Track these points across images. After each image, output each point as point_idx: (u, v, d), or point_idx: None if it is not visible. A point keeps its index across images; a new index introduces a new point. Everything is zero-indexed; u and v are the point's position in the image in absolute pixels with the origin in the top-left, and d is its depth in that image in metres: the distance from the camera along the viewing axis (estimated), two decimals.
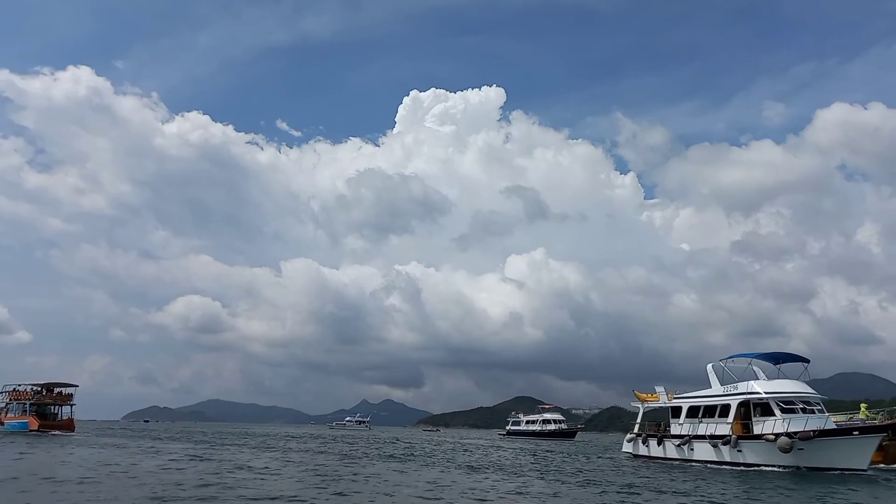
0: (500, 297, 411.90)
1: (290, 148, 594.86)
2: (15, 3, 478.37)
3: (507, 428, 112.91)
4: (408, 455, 38.83)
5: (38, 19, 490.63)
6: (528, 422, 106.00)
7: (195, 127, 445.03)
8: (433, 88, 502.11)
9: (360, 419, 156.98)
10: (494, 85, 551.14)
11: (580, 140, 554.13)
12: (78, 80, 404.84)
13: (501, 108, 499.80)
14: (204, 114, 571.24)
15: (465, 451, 47.22)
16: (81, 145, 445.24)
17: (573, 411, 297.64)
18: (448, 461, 33.72)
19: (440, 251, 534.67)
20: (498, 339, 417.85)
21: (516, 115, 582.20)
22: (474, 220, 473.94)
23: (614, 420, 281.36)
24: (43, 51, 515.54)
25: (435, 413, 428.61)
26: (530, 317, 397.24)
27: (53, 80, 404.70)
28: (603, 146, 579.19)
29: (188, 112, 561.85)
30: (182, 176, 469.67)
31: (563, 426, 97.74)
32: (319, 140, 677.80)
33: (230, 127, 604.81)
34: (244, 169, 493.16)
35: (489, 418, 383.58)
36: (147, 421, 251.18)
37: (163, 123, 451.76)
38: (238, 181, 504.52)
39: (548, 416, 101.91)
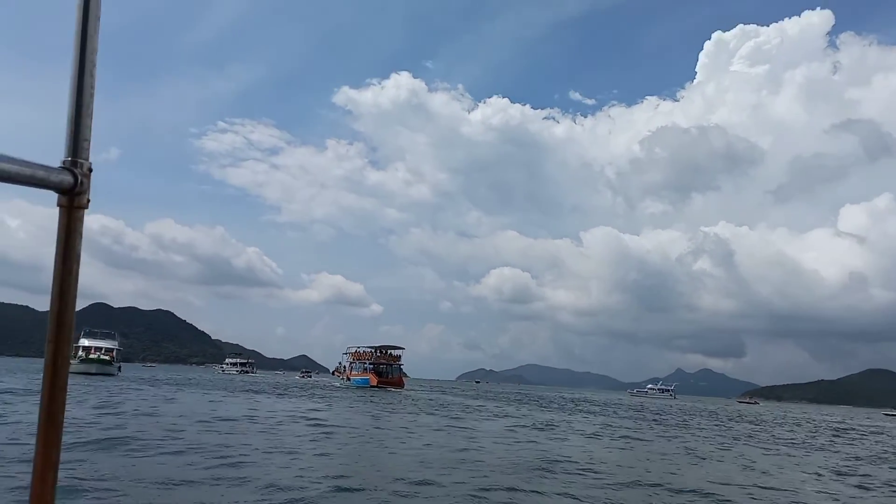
0: (834, 255, 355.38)
1: (585, 117, 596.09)
2: (347, 24, 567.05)
3: None
4: None
5: (364, 36, 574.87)
6: None
7: (496, 111, 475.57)
8: (740, 25, 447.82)
9: (662, 387, 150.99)
10: (818, 8, 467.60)
11: None
12: (399, 85, 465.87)
13: (828, 33, 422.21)
14: (503, 97, 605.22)
15: None
16: (404, 142, 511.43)
17: None
18: None
19: (753, 207, 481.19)
20: (835, 305, 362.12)
21: (846, 38, 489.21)
22: (793, 168, 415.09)
23: None
24: (371, 64, 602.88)
25: (762, 385, 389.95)
26: (877, 277, 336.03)
27: (381, 88, 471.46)
28: None
29: (489, 98, 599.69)
30: (488, 160, 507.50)
31: None
32: (614, 104, 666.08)
33: (527, 106, 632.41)
34: (541, 145, 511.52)
35: (832, 392, 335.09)
36: (478, 382, 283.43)
37: (468, 112, 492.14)
38: (536, 158, 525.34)
39: None
